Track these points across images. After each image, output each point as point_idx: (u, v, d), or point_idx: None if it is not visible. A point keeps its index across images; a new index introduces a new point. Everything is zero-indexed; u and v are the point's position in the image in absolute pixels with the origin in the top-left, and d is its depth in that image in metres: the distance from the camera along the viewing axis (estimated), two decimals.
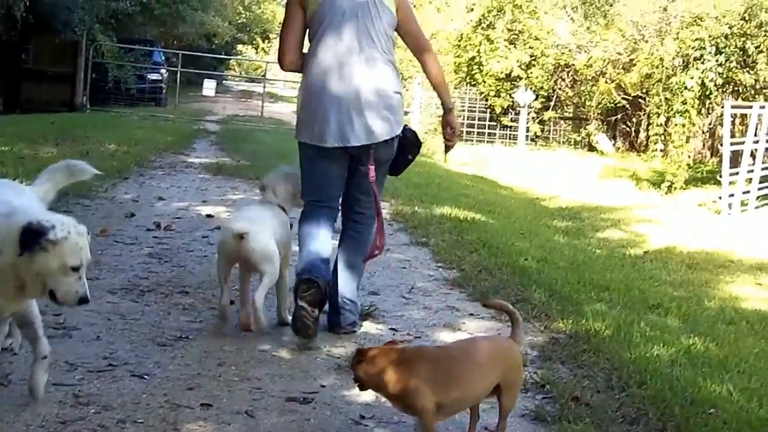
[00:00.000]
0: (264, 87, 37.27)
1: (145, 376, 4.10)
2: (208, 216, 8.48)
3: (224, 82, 60.90)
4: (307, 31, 5.05)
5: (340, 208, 5.20)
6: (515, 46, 28.02)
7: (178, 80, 28.84)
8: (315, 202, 5.07)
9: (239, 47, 70.77)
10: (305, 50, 5.14)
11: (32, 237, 3.24)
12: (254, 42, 68.44)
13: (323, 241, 4.98)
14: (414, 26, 5.16)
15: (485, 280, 6.66)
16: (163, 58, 32.20)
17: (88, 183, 9.50)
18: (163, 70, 30.56)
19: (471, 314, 5.76)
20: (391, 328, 5.24)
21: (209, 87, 41.15)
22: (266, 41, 73.14)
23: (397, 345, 3.62)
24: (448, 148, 5.40)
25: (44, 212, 3.51)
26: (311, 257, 4.90)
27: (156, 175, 11.35)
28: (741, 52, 18.66)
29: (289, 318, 4.94)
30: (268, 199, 5.17)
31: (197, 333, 4.83)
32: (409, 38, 5.15)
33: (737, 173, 16.09)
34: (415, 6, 37.89)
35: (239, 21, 53.87)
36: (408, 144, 5.18)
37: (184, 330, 4.85)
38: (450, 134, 5.29)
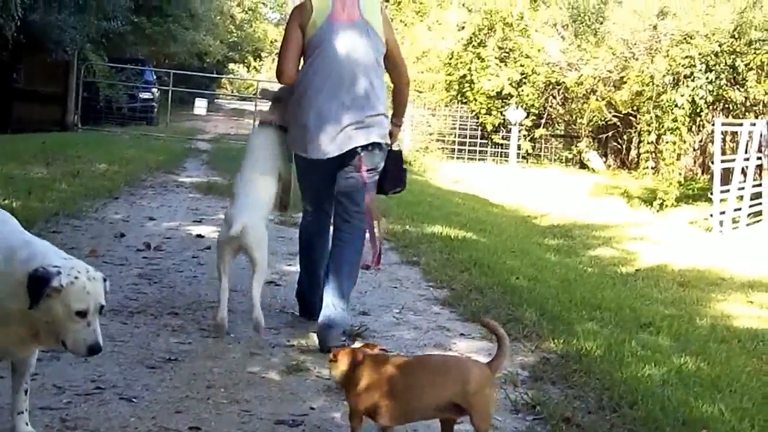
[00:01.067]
0: (255, 105, 37.31)
1: (134, 399, 4.05)
2: (198, 236, 8.44)
3: (216, 100, 60.98)
4: (305, 49, 5.40)
5: (330, 201, 5.59)
6: (506, 64, 28.10)
7: (170, 99, 28.85)
8: (312, 208, 5.66)
9: (231, 66, 70.90)
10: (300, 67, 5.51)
11: (38, 286, 3.05)
12: (246, 61, 68.58)
13: (320, 253, 5.59)
14: (399, 59, 5.67)
15: (476, 299, 6.64)
16: (155, 77, 32.20)
17: (78, 203, 9.55)
18: (154, 89, 30.56)
19: (462, 334, 5.75)
20: (382, 349, 5.20)
21: (200, 106, 41.27)
22: (258, 60, 73.29)
23: (371, 348, 3.75)
24: (390, 176, 5.62)
25: (53, 254, 3.26)
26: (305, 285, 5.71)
27: (146, 195, 11.32)
28: (731, 70, 18.74)
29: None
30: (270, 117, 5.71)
31: (186, 355, 4.79)
32: (393, 66, 5.61)
33: (728, 191, 16.12)
34: (406, 24, 38.07)
35: (231, 40, 53.95)
36: (394, 160, 5.61)
37: (173, 352, 4.82)
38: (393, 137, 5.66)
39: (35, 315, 3.10)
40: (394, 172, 5.59)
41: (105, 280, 3.26)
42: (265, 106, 6.09)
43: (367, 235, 5.46)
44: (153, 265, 6.95)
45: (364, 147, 5.30)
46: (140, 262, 6.99)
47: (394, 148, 5.66)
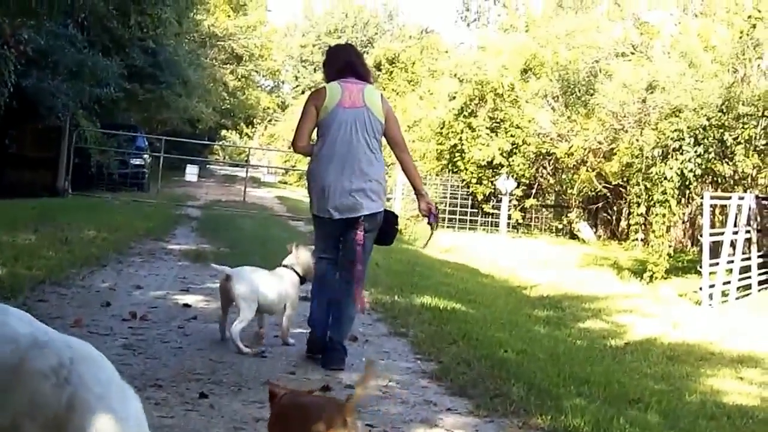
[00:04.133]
0: (247, 172, 37.41)
1: None
2: (186, 305, 8.39)
3: (208, 166, 61.23)
4: (317, 127, 6.70)
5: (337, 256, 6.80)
6: (497, 134, 28.34)
7: (161, 165, 28.90)
8: (323, 256, 6.86)
9: (223, 132, 71.27)
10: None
11: None
12: (238, 127, 68.90)
13: (329, 290, 6.75)
14: (397, 132, 6.89)
15: (464, 373, 6.58)
16: (147, 143, 32.30)
17: (65, 271, 9.49)
18: (146, 155, 30.64)
19: (449, 409, 5.68)
20: (367, 424, 5.14)
21: (192, 173, 41.38)
22: (250, 127, 73.70)
23: (304, 391, 3.87)
24: (432, 226, 7.04)
25: None
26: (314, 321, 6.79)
27: (134, 263, 11.25)
28: (719, 144, 18.86)
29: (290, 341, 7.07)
30: (290, 261, 7.13)
31: (169, 430, 4.72)
32: (393, 141, 6.88)
33: (717, 264, 16.14)
34: (398, 94, 38.38)
35: (223, 107, 54.23)
36: (390, 220, 6.95)
37: (155, 427, 4.71)
38: (432, 211, 6.93)
39: None
40: (385, 229, 6.83)
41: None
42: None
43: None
44: (138, 335, 6.88)
45: (365, 215, 6.54)
46: (125, 332, 6.93)
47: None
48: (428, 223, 7.02)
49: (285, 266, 7.14)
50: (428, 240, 7.63)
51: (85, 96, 22.44)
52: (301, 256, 7.14)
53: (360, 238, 6.53)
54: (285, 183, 63.28)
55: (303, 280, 7.15)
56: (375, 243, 6.86)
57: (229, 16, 51.34)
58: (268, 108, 75.06)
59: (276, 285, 6.95)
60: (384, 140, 6.85)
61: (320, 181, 6.63)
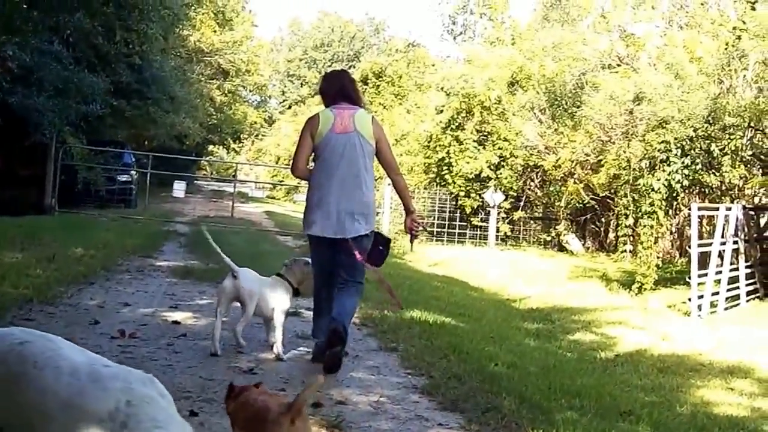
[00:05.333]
0: (234, 187, 37.38)
1: None
2: (175, 323, 8.34)
3: (195, 182, 61.13)
4: (313, 152, 7.16)
5: (333, 272, 7.23)
6: (484, 147, 28.41)
7: (148, 181, 28.81)
8: (319, 272, 7.30)
9: (210, 148, 71.18)
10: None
11: None
12: (225, 143, 68.86)
13: (327, 301, 7.23)
14: (388, 155, 7.31)
15: (455, 387, 6.56)
16: (134, 159, 32.18)
17: (53, 289, 9.43)
18: (133, 172, 30.50)
19: (440, 424, 5.66)
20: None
21: (179, 189, 41.30)
22: (237, 142, 73.69)
23: (256, 389, 3.86)
24: (413, 237, 7.62)
25: None
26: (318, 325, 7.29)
27: (123, 280, 11.19)
28: (706, 155, 18.92)
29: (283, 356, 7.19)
30: (284, 273, 7.41)
31: None
32: (385, 163, 7.34)
33: (706, 274, 16.15)
34: (385, 107, 38.43)
35: (210, 122, 54.17)
36: (381, 241, 7.45)
37: None
38: (415, 225, 7.54)
39: None
40: (375, 251, 7.29)
41: None
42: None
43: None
44: (127, 353, 6.84)
45: (354, 237, 6.99)
46: (114, 350, 6.88)
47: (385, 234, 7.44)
48: (411, 237, 7.66)
49: (279, 276, 7.41)
50: (411, 244, 8.01)
51: (71, 113, 22.32)
52: (295, 269, 7.44)
53: (356, 255, 6.97)
54: (273, 198, 63.36)
55: (297, 292, 7.44)
56: (376, 263, 7.33)
57: (215, 31, 51.28)
58: (255, 123, 75.09)
59: (272, 291, 7.26)
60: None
61: (313, 202, 7.12)
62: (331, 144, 7.02)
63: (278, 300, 7.25)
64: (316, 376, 3.98)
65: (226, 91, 57.81)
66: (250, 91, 70.42)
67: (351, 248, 6.96)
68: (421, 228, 7.95)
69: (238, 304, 7.26)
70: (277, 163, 62.07)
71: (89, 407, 2.84)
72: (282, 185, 60.94)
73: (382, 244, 7.44)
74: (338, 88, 7.35)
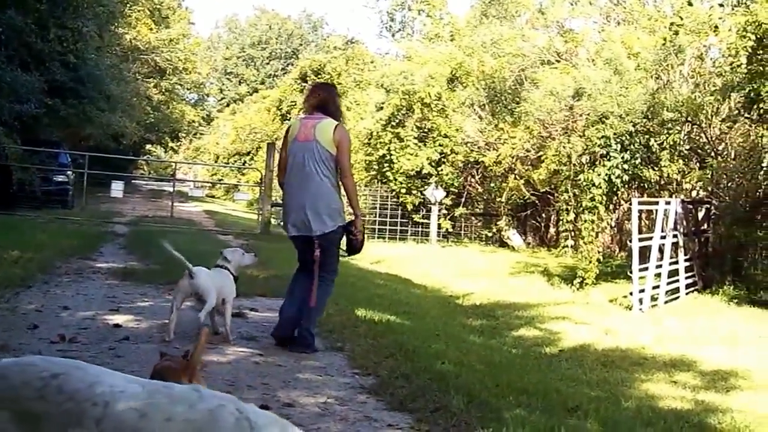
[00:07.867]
0: (173, 186, 37.01)
1: None
2: (116, 326, 8.18)
3: (133, 182, 60.49)
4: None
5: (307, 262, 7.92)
6: (425, 144, 28.43)
7: (85, 181, 28.39)
8: (299, 266, 8.14)
9: (148, 147, 70.50)
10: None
11: None
12: (163, 141, 68.21)
13: (299, 289, 7.95)
14: (342, 159, 7.82)
15: (402, 387, 6.50)
16: (70, 159, 31.62)
17: None
18: (69, 172, 29.96)
19: (389, 425, 5.60)
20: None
21: (117, 189, 40.80)
22: (175, 140, 72.98)
23: (171, 358, 4.38)
24: (352, 244, 8.11)
25: None
26: (284, 315, 8.03)
27: (61, 283, 10.94)
28: (645, 149, 19.08)
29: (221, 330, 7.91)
30: (222, 263, 8.08)
31: None
32: (339, 167, 7.82)
33: (646, 269, 16.30)
34: None
35: (147, 121, 53.57)
36: (352, 233, 8.03)
37: None
38: (356, 232, 8.02)
39: None
40: (352, 243, 8.05)
41: None
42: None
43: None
44: (68, 358, 6.67)
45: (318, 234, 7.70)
46: (55, 356, 6.70)
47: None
48: (351, 239, 8.08)
49: (219, 266, 8.10)
50: (347, 250, 8.31)
51: (4, 113, 21.94)
52: (233, 258, 8.21)
53: (316, 255, 7.68)
54: (212, 197, 62.83)
55: (236, 278, 8.14)
56: (346, 252, 8.13)
57: (151, 29, 50.80)
58: (193, 121, 74.46)
59: (222, 284, 7.87)
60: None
61: (284, 204, 8.05)
62: (293, 151, 7.78)
63: (228, 290, 7.89)
64: (200, 330, 4.32)
65: (163, 90, 57.33)
66: (188, 89, 69.91)
67: (316, 247, 7.66)
68: (360, 236, 8.19)
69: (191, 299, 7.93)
70: (216, 161, 61.61)
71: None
72: (221, 184, 60.54)
73: (353, 234, 8.01)
74: (317, 101, 8.00)
